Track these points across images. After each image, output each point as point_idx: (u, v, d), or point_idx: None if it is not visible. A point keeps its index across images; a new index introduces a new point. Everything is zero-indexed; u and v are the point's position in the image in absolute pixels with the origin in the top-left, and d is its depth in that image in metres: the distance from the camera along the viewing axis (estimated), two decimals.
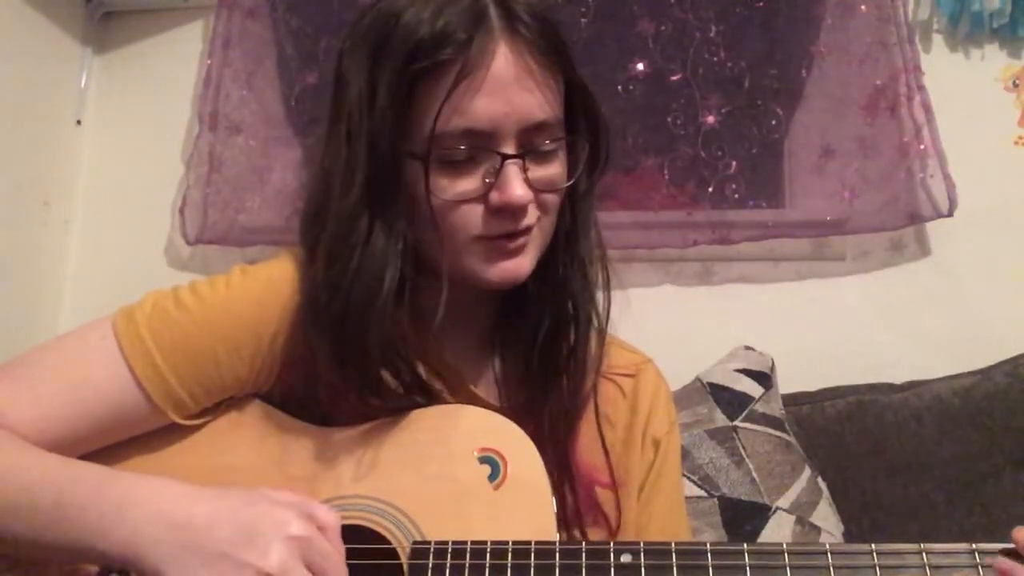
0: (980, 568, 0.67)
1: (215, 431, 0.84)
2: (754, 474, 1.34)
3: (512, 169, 0.77)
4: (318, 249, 0.80)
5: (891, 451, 1.44)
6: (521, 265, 0.80)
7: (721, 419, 1.40)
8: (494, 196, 0.77)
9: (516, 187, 0.76)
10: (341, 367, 0.78)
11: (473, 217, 0.78)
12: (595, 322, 0.87)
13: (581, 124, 0.84)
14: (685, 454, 1.34)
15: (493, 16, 0.77)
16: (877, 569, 0.68)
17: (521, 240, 0.79)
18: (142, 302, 0.82)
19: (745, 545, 0.70)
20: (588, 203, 0.87)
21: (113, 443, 0.82)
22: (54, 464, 0.75)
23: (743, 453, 1.36)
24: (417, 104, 0.76)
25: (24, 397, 0.78)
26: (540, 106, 0.78)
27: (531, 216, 0.79)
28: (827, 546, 0.70)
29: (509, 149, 0.77)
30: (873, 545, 0.69)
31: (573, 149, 0.83)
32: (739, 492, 1.32)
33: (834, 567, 0.68)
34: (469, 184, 0.78)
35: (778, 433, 1.40)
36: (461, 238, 0.79)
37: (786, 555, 0.69)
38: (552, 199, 0.82)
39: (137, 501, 0.71)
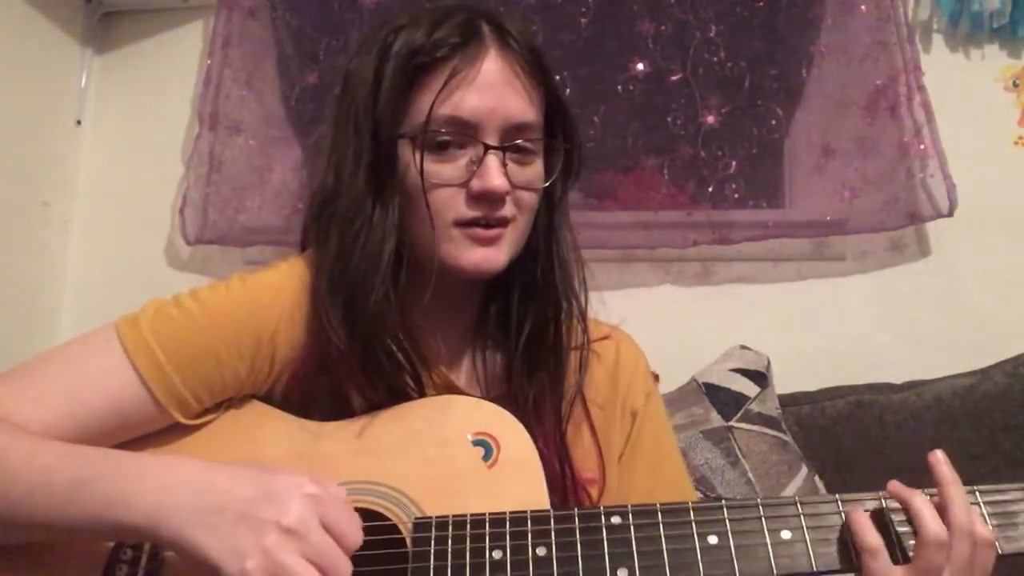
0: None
1: (216, 430, 0.86)
2: (750, 474, 1.34)
3: (493, 159, 0.84)
4: (330, 230, 0.86)
5: (891, 451, 1.44)
6: (495, 257, 0.86)
7: (717, 419, 1.40)
8: (475, 183, 0.84)
9: (495, 175, 0.84)
10: (349, 336, 0.83)
11: (454, 201, 0.85)
12: (576, 315, 0.93)
13: (559, 133, 0.92)
14: (681, 455, 1.34)
15: (485, 29, 0.87)
16: (842, 515, 0.75)
17: (496, 231, 0.85)
18: (144, 308, 0.85)
19: (724, 501, 0.78)
20: (563, 207, 0.94)
21: (117, 444, 0.82)
22: (70, 448, 0.76)
23: (739, 453, 1.36)
24: (415, 95, 0.85)
25: (29, 400, 0.79)
26: (524, 108, 0.86)
27: (508, 209, 0.86)
28: (796, 498, 0.77)
29: (492, 142, 0.85)
30: (838, 495, 0.77)
31: (550, 156, 0.91)
32: (735, 492, 1.32)
33: (804, 515, 0.76)
34: (454, 170, 0.85)
35: (774, 432, 1.40)
36: (441, 222, 0.85)
37: (760, 507, 0.76)
38: (529, 198, 0.88)
39: (156, 472, 0.72)
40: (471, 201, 0.84)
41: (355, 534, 0.71)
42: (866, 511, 0.74)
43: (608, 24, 1.78)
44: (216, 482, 0.71)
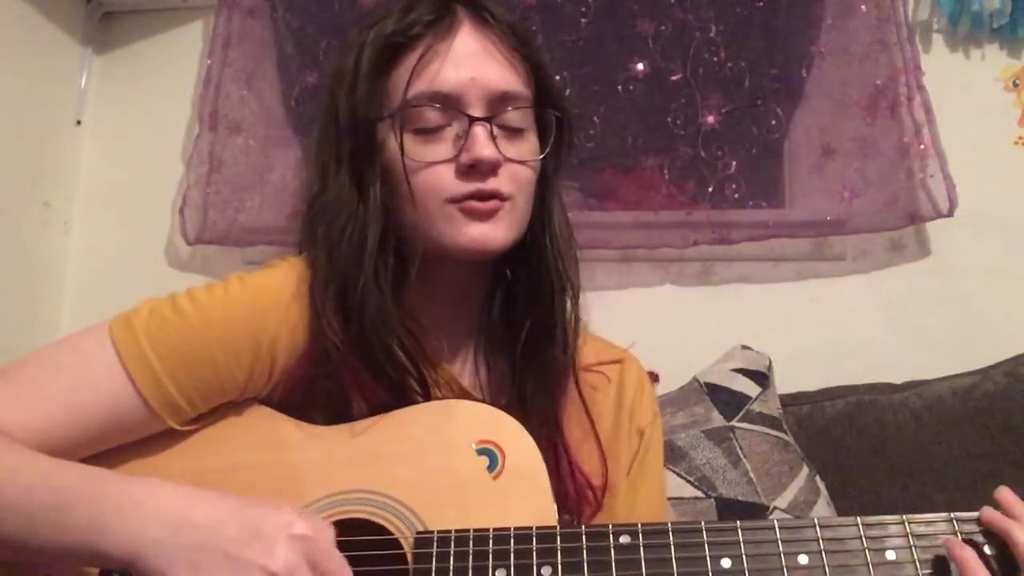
0: (959, 535, 0.72)
1: (213, 433, 0.84)
2: (751, 474, 1.33)
3: (479, 130, 0.82)
4: (318, 226, 0.85)
5: (891, 451, 1.44)
6: (494, 232, 0.83)
7: (718, 419, 1.39)
8: (464, 157, 0.82)
9: (483, 145, 0.81)
10: (345, 329, 0.82)
11: (445, 179, 0.83)
12: (570, 293, 0.90)
13: (548, 105, 0.90)
14: (683, 455, 1.34)
15: (457, 5, 0.86)
16: (863, 540, 0.72)
17: (491, 203, 0.83)
18: (138, 309, 0.83)
19: (738, 522, 0.74)
20: (556, 185, 0.93)
21: (111, 448, 0.82)
22: (52, 467, 0.75)
23: (740, 453, 1.35)
24: (391, 76, 0.85)
25: (21, 403, 0.78)
26: (505, 77, 0.85)
27: (503, 183, 0.83)
28: (815, 520, 0.74)
29: (477, 113, 0.83)
30: (859, 518, 0.73)
31: (542, 131, 0.89)
32: (736, 492, 1.32)
33: (823, 539, 0.72)
34: (440, 148, 0.83)
35: (776, 433, 1.40)
36: (434, 202, 0.83)
37: (777, 530, 0.73)
38: (524, 173, 0.86)
39: (138, 500, 0.70)
40: (462, 176, 0.82)
41: None
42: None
43: (608, 24, 1.78)
44: (198, 515, 0.69)
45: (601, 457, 0.91)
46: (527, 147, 0.87)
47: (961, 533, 0.72)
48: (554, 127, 0.89)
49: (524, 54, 0.88)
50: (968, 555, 0.70)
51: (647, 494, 0.94)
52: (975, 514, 0.73)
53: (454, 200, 0.83)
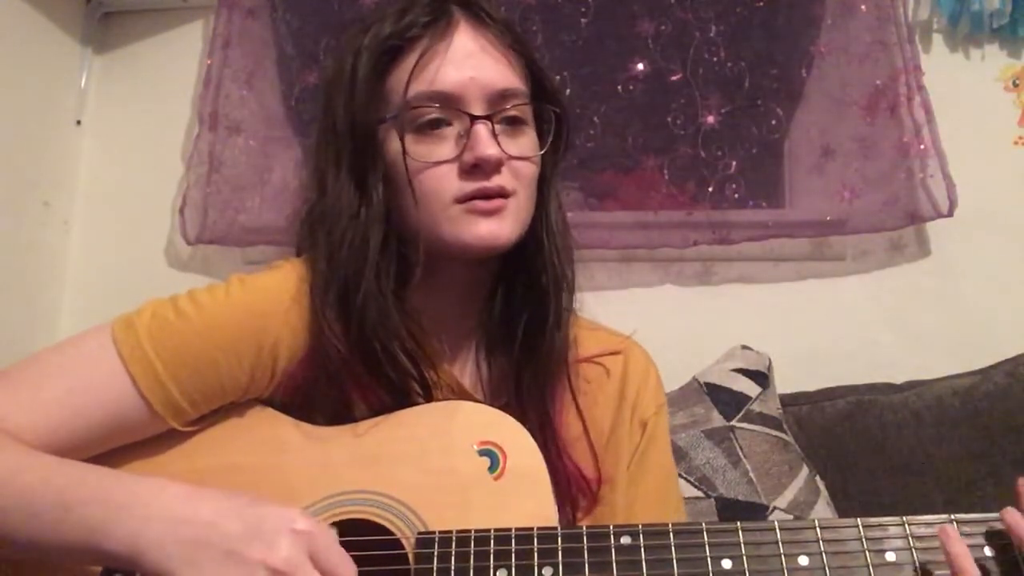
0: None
1: (215, 434, 0.85)
2: (751, 474, 1.33)
3: (481, 128, 0.82)
4: (319, 231, 0.85)
5: (891, 451, 1.44)
6: (500, 229, 0.83)
7: (718, 419, 1.39)
8: (467, 156, 0.82)
9: (487, 144, 0.82)
10: (346, 334, 0.82)
11: (448, 180, 0.83)
12: (565, 288, 0.90)
13: (545, 101, 0.90)
14: (683, 455, 1.34)
15: (453, 7, 0.87)
16: (863, 541, 0.72)
17: (496, 202, 0.83)
18: (140, 311, 0.83)
19: (739, 523, 0.74)
20: (554, 182, 0.93)
21: (113, 448, 0.82)
22: (55, 466, 0.75)
23: (740, 453, 1.35)
24: (390, 78, 0.85)
25: (24, 404, 0.78)
26: (504, 75, 0.85)
27: (506, 180, 0.83)
28: (816, 521, 0.74)
29: (478, 112, 0.83)
30: (859, 519, 0.73)
31: (539, 127, 0.89)
32: (736, 492, 1.32)
33: (823, 540, 0.73)
34: (443, 148, 0.83)
35: (776, 433, 1.40)
36: (438, 203, 0.83)
37: (778, 531, 0.73)
38: (526, 169, 0.86)
39: (141, 500, 0.71)
40: (466, 175, 0.82)
41: (348, 573, 0.70)
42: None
43: (608, 24, 1.78)
44: (201, 513, 0.69)
45: (591, 450, 0.91)
46: (527, 143, 0.87)
47: (961, 534, 0.72)
48: (553, 122, 0.90)
49: (519, 51, 0.88)
50: (962, 551, 0.70)
51: (648, 490, 0.93)
52: (975, 516, 0.73)
53: (459, 200, 0.83)
